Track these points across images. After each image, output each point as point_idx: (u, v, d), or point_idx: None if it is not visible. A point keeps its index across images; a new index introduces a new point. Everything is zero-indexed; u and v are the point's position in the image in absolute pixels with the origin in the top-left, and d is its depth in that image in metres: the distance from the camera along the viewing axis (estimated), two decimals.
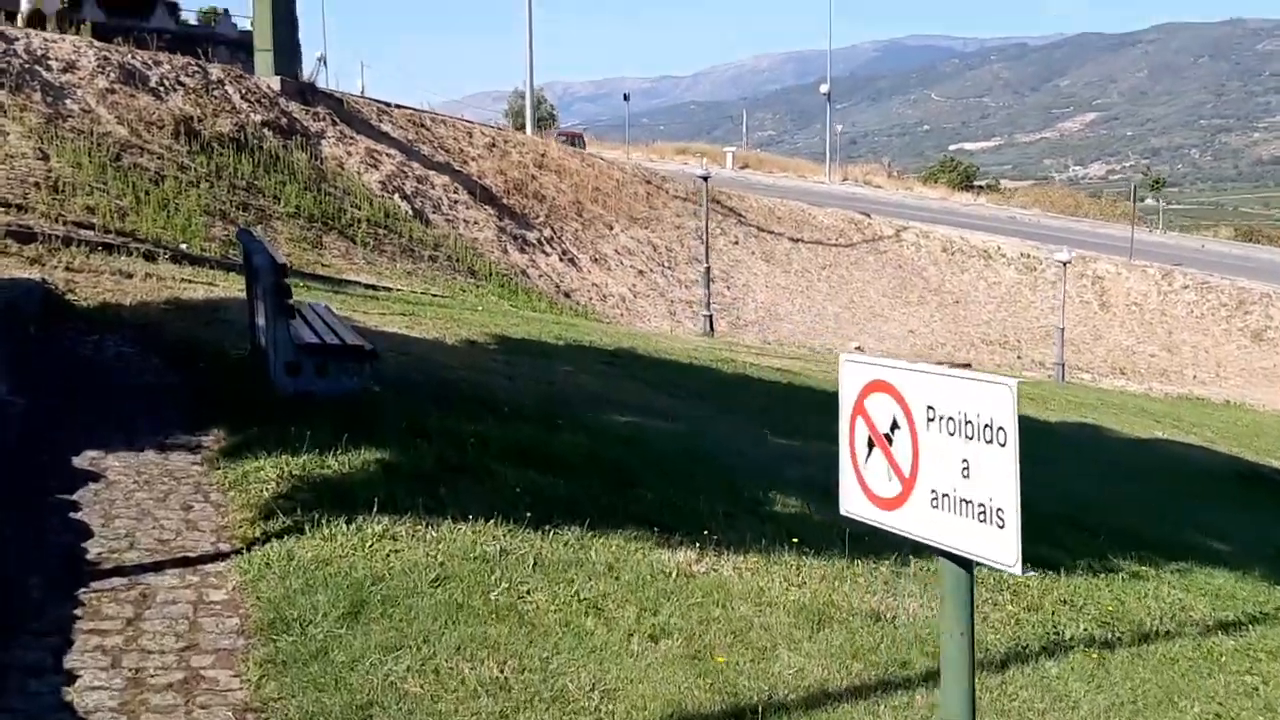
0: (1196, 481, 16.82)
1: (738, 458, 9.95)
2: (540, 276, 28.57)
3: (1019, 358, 40.93)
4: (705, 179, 29.50)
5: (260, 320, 9.18)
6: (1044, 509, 10.06)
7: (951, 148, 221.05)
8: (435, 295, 19.92)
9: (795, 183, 61.77)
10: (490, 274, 25.39)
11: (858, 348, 36.32)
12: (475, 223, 28.63)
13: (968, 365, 5.27)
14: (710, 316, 27.59)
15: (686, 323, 31.21)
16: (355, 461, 7.01)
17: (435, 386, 9.98)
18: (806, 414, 13.95)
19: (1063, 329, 34.73)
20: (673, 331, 28.51)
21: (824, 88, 65.15)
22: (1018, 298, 46.73)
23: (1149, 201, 74.01)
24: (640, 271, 33.77)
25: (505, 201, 31.53)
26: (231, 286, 13.48)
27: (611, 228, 35.40)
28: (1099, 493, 13.79)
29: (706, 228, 30.40)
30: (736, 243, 41.17)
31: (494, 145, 34.34)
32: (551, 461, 7.73)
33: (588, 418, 9.79)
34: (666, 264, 35.53)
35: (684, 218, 39.99)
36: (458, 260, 24.98)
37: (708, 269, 29.11)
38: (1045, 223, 57.27)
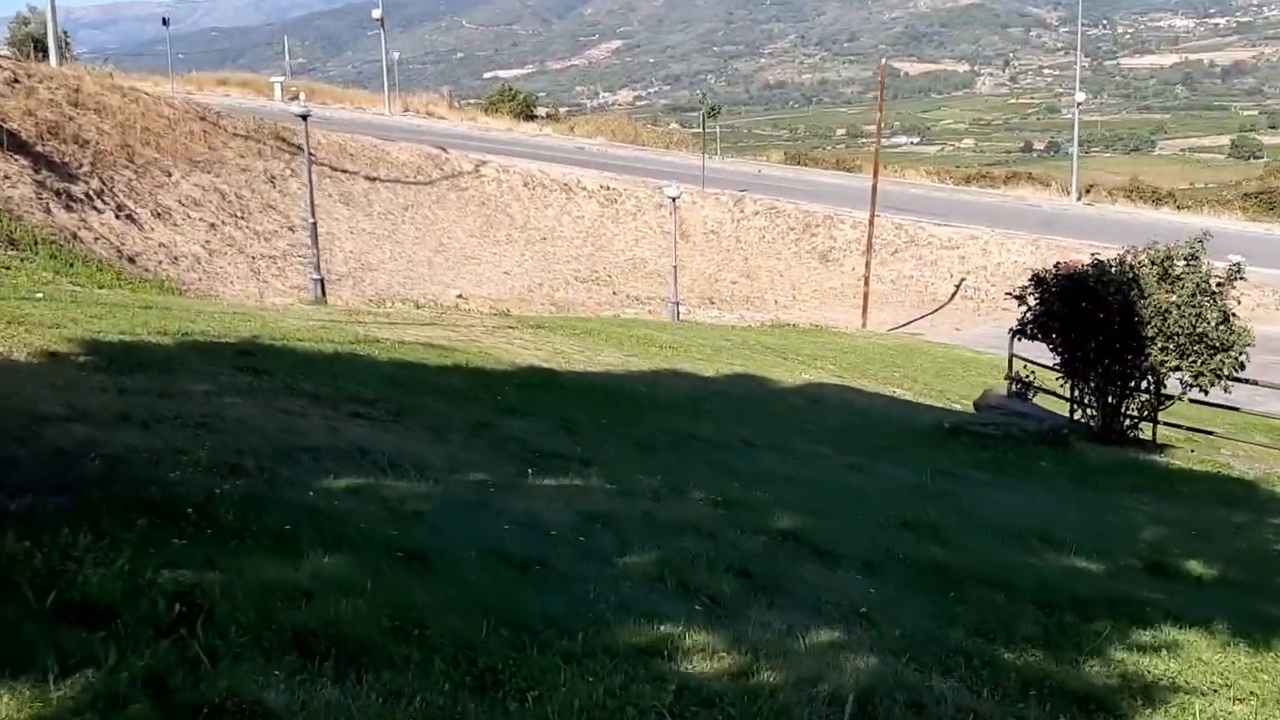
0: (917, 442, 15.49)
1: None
2: (97, 240, 23.41)
3: (614, 293, 39.65)
4: (305, 118, 25.24)
5: None
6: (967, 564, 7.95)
7: (486, 75, 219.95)
8: None
9: (354, 114, 57.30)
10: (35, 242, 20.20)
11: (459, 295, 33.47)
12: (6, 177, 22.95)
13: None
14: (321, 281, 23.59)
15: (274, 283, 27.03)
16: None
17: (46, 461, 6.31)
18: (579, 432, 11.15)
19: (675, 266, 33.48)
20: (264, 297, 24.40)
21: (376, 12, 60.71)
22: (601, 231, 45.51)
23: (696, 129, 75.54)
24: (212, 225, 28.97)
25: (40, 149, 25.75)
26: None
27: (170, 174, 30.17)
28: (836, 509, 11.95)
29: (310, 178, 26.18)
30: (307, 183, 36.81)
31: (16, 81, 28.06)
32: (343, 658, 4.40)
33: (309, 501, 6.45)
34: (239, 214, 30.86)
35: (249, 159, 35.18)
36: None
37: (314, 225, 24.95)
38: (614, 153, 56.47)
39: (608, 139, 61.00)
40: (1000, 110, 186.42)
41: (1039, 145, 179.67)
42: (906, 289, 43.46)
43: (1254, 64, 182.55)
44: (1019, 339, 18.25)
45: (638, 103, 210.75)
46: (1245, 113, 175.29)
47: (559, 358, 18.70)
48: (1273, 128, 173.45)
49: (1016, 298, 17.89)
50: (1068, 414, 19.20)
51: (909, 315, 40.54)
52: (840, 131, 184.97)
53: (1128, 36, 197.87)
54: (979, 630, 6.19)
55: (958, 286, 43.34)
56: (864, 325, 37.46)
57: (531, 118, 65.43)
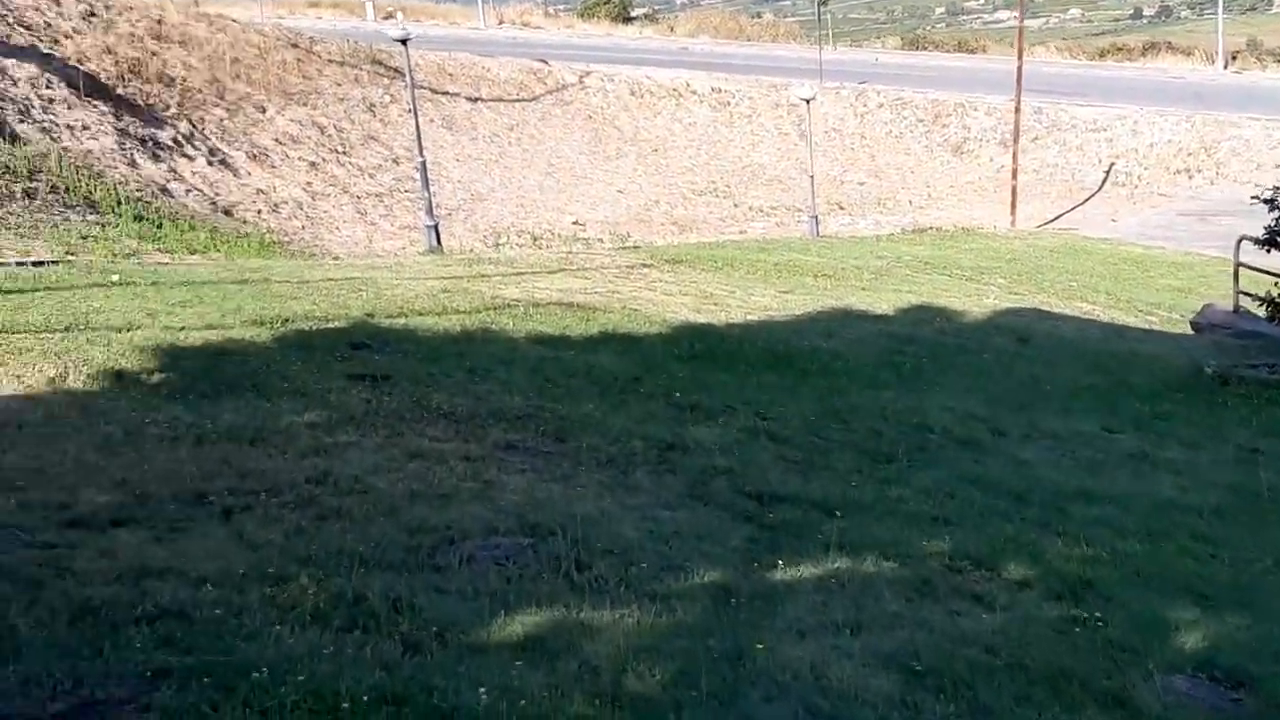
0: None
1: None
2: (189, 192, 21.04)
3: (735, 205, 36.50)
4: (404, 42, 22.36)
5: None
6: None
7: None
8: (39, 266, 12.75)
9: (448, 30, 54.24)
10: (118, 201, 17.85)
11: (575, 222, 30.73)
12: (85, 127, 20.60)
13: None
14: (436, 227, 20.86)
15: (382, 224, 24.53)
16: None
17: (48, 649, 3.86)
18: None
19: (813, 176, 30.18)
20: (372, 242, 21.92)
21: None
22: (715, 137, 42.15)
23: (793, 19, 71.17)
24: (312, 164, 26.47)
25: (122, 92, 23.37)
26: None
27: (264, 110, 27.68)
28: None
29: (415, 107, 23.37)
30: (411, 110, 34.14)
31: (93, 14, 25.58)
32: None
33: (475, 708, 3.86)
34: (340, 149, 28.30)
35: (345, 86, 32.55)
36: (68, 189, 17.32)
37: (423, 164, 22.21)
38: (719, 51, 52.69)
39: (711, 37, 57.17)
40: None
41: (1149, 11, 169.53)
42: (1051, 178, 39.48)
43: None
44: (1269, 249, 14.89)
45: None
46: None
47: (710, 304, 15.89)
48: None
49: (1266, 201, 14.54)
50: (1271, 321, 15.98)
51: (1057, 207, 36.72)
52: (939, 10, 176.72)
53: None
54: None
55: (1107, 172, 39.26)
56: (1013, 224, 33.84)
57: (629, 20, 61.78)
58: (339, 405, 8.15)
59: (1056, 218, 35.56)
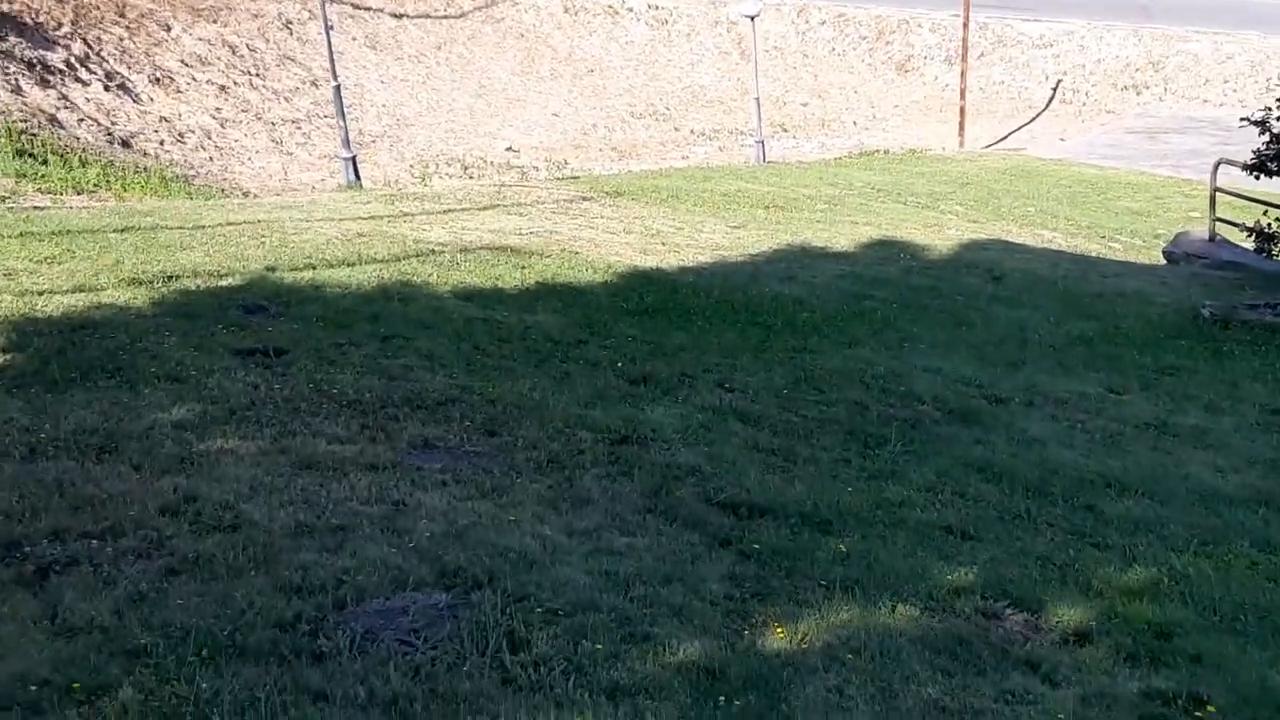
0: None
1: None
2: (81, 122, 19.00)
3: (676, 129, 34.86)
4: None
5: None
6: None
7: None
8: None
9: None
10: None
11: (509, 148, 28.95)
12: None
13: None
14: (354, 159, 18.87)
15: (299, 153, 22.62)
16: None
17: None
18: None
19: (757, 98, 28.53)
20: (288, 174, 20.07)
21: None
22: (654, 57, 40.26)
23: None
24: (222, 87, 24.35)
25: (5, 8, 21.13)
26: None
27: (169, 28, 25.42)
28: None
29: (326, 18, 21.25)
30: (332, 27, 31.90)
31: None
32: None
33: None
34: (254, 70, 26.16)
35: (261, 1, 30.26)
36: None
37: (337, 89, 20.17)
38: None
39: None
40: None
41: None
42: (997, 97, 38.13)
43: None
44: (1257, 175, 13.64)
45: None
46: None
47: (657, 244, 14.42)
48: None
49: (1255, 123, 13.28)
50: (1260, 253, 14.86)
51: (1005, 127, 35.44)
52: None
53: None
54: None
55: (1054, 90, 37.99)
56: (962, 144, 32.55)
57: None
58: (219, 394, 6.64)
59: (1004, 137, 34.33)
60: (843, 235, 16.27)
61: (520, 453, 6.18)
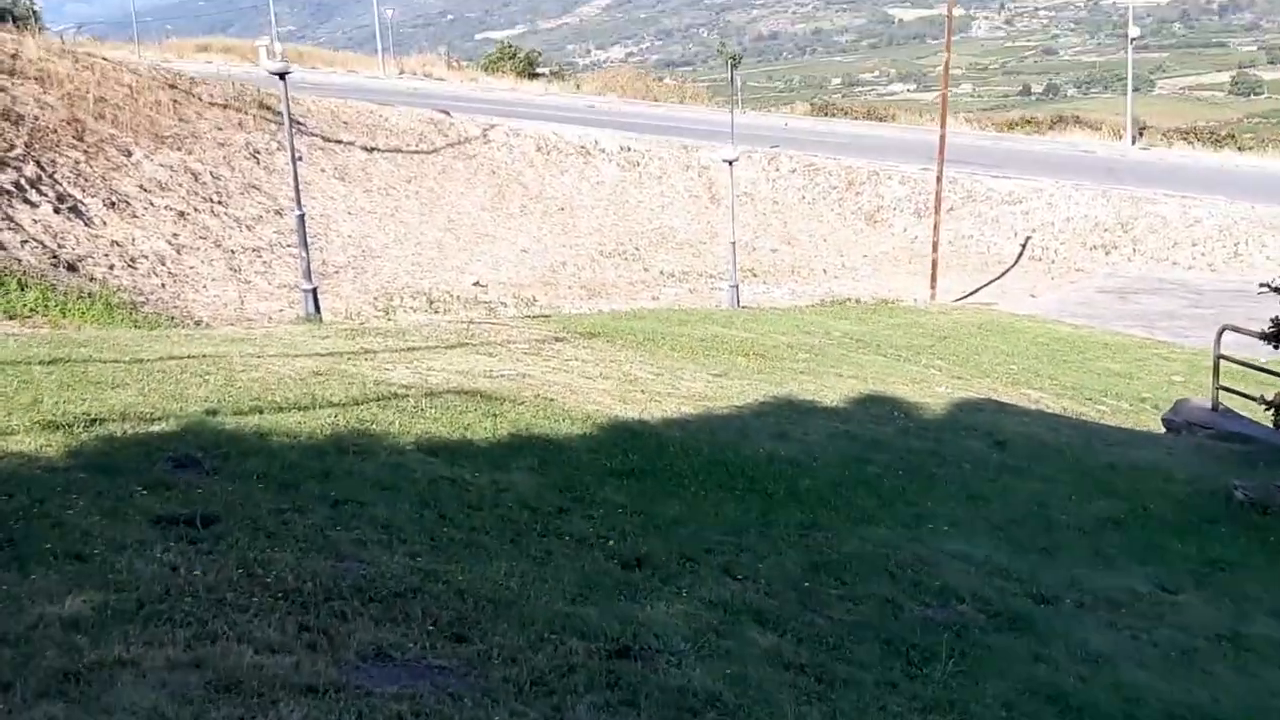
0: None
1: None
2: (25, 243, 17.83)
3: (646, 269, 34.18)
4: (283, 76, 19.45)
5: None
6: None
7: (478, 36, 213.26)
8: None
9: (348, 78, 51.48)
10: None
11: (477, 283, 28.05)
12: None
13: None
14: (314, 292, 17.74)
15: (258, 281, 21.51)
16: None
17: None
18: None
19: (734, 242, 27.89)
20: (244, 303, 18.90)
21: None
22: (624, 197, 39.93)
23: (701, 83, 69.68)
24: (181, 213, 23.33)
25: None
26: None
27: (130, 153, 24.51)
28: None
29: (294, 157, 20.34)
30: (301, 158, 31.20)
31: None
32: None
33: None
34: (216, 198, 25.21)
35: (229, 130, 29.53)
36: None
37: (301, 219, 19.07)
38: (627, 110, 50.65)
39: (619, 95, 55.20)
40: (996, 54, 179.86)
41: (1037, 88, 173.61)
42: (967, 250, 37.93)
43: None
44: (1276, 345, 12.78)
45: (630, 59, 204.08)
46: (1244, 49, 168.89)
47: (636, 392, 13.34)
48: (1272, 63, 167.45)
49: (1276, 289, 12.48)
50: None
51: (974, 281, 35.09)
52: (835, 81, 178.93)
53: None
54: None
55: (1024, 246, 37.87)
56: (933, 297, 32.06)
57: (535, 75, 59.58)
58: (127, 579, 5.37)
59: (974, 291, 33.93)
60: (829, 389, 15.28)
61: (496, 668, 4.93)
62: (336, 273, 24.70)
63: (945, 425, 13.61)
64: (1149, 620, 6.88)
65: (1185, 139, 49.42)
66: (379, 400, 10.56)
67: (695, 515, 8.02)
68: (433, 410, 10.44)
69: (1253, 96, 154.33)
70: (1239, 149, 48.24)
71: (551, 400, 11.79)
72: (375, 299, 23.43)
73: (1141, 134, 49.84)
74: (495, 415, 10.61)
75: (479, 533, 7.01)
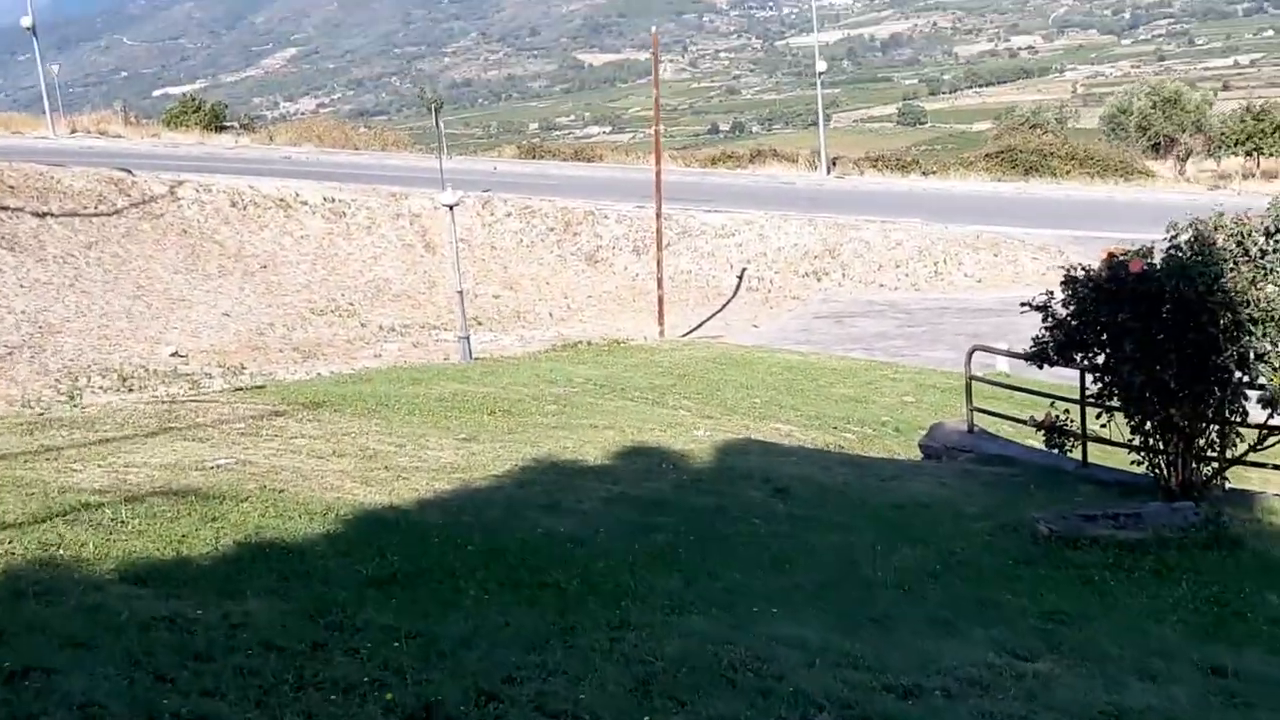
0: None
1: None
2: None
3: (363, 325, 32.13)
4: None
5: None
6: None
7: (156, 93, 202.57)
8: None
9: (12, 140, 46.69)
10: None
11: (175, 353, 25.31)
12: None
13: None
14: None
15: None
16: None
17: None
18: None
19: (461, 290, 26.28)
20: None
21: (26, 20, 49.84)
22: (333, 251, 37.64)
23: (422, 127, 67.80)
24: None
25: None
26: None
27: None
28: None
29: None
30: None
31: None
32: None
33: None
34: None
35: None
36: None
37: None
38: (328, 159, 48.21)
39: (316, 145, 52.61)
40: (684, 95, 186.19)
41: (724, 126, 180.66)
42: (687, 285, 37.84)
43: (909, 36, 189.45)
44: (1041, 365, 12.50)
45: (321, 110, 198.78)
46: (906, 82, 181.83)
47: (380, 469, 11.69)
48: (933, 94, 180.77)
49: (1038, 308, 12.21)
50: (1052, 450, 13.75)
51: (698, 315, 34.97)
52: (533, 125, 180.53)
53: (793, 16, 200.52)
54: None
55: (740, 277, 38.16)
56: (662, 334, 31.57)
57: (223, 129, 56.08)
58: None
59: (700, 325, 33.77)
60: (588, 444, 14.07)
61: None
62: (10, 354, 21.57)
63: (719, 474, 12.63)
64: (1024, 703, 5.95)
65: (875, 166, 51.63)
66: (66, 515, 8.52)
67: (483, 631, 6.55)
68: (136, 521, 8.50)
69: (918, 125, 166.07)
70: (923, 174, 50.81)
71: (281, 492, 10.01)
72: (58, 380, 20.53)
73: (834, 164, 51.73)
74: (215, 520, 8.78)
75: (213, 698, 5.30)
